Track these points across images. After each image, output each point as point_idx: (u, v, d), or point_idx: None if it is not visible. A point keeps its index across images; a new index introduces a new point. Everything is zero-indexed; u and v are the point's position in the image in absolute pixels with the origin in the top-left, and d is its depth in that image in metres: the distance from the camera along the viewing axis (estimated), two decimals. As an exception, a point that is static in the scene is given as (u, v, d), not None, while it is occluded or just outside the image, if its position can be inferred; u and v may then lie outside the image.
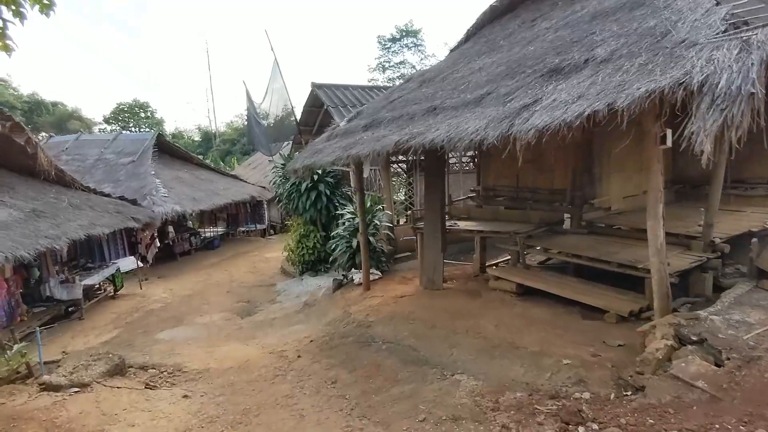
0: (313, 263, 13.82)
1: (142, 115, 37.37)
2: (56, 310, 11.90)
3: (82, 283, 12.17)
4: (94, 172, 18.94)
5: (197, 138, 48.96)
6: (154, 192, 17.22)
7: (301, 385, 5.95)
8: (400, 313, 7.77)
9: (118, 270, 13.95)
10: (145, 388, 6.42)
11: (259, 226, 23.76)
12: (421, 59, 42.56)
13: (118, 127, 36.47)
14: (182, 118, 74.57)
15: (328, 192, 12.93)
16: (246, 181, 23.14)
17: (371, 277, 10.06)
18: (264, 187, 23.36)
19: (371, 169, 13.81)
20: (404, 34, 43.92)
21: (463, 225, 8.95)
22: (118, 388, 6.26)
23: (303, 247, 13.63)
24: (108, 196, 13.96)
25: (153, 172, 18.22)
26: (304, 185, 12.75)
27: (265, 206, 23.18)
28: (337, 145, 7.93)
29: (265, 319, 11.01)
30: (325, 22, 77.89)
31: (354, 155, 6.76)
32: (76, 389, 6.17)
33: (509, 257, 10.22)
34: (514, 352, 5.71)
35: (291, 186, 13.06)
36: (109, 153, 19.67)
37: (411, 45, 44.10)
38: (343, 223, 10.96)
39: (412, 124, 6.32)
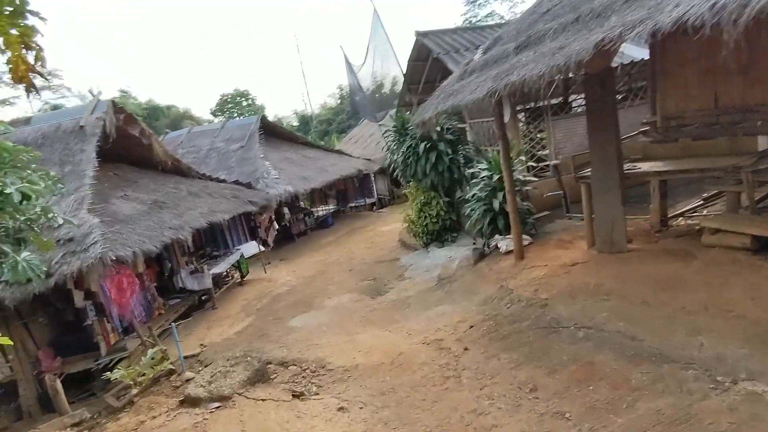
0: (438, 233, 12.18)
1: (244, 103, 37.77)
2: (190, 301, 11.41)
3: (211, 271, 11.57)
4: (208, 161, 18.72)
5: (295, 123, 49.28)
6: (265, 174, 16.51)
7: (488, 393, 4.33)
8: (583, 286, 5.86)
9: (242, 256, 13.32)
10: (293, 398, 5.17)
11: (368, 200, 22.60)
12: (511, 7, 38.69)
13: (225, 117, 37.58)
14: (279, 106, 76.03)
15: (449, 152, 11.13)
16: (351, 156, 21.99)
17: (511, 246, 8.21)
18: (369, 159, 22.09)
19: (488, 121, 11.78)
20: (491, -20, 40.15)
21: (647, 166, 6.73)
22: (262, 400, 5.07)
23: (426, 216, 12.02)
24: (223, 182, 13.29)
25: (262, 155, 17.55)
26: (422, 146, 11.04)
27: (373, 179, 21.93)
28: (479, 79, 6.09)
29: (399, 299, 9.61)
30: (400, -13, 74.81)
31: (516, 82, 4.89)
32: (217, 404, 5.08)
33: (700, 203, 7.84)
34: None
35: (407, 149, 11.42)
36: (219, 141, 19.37)
37: (498, -8, 40.29)
38: (478, 183, 9.12)
39: (603, 21, 4.30)
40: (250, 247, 14.67)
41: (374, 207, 22.85)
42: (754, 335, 3.88)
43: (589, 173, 6.98)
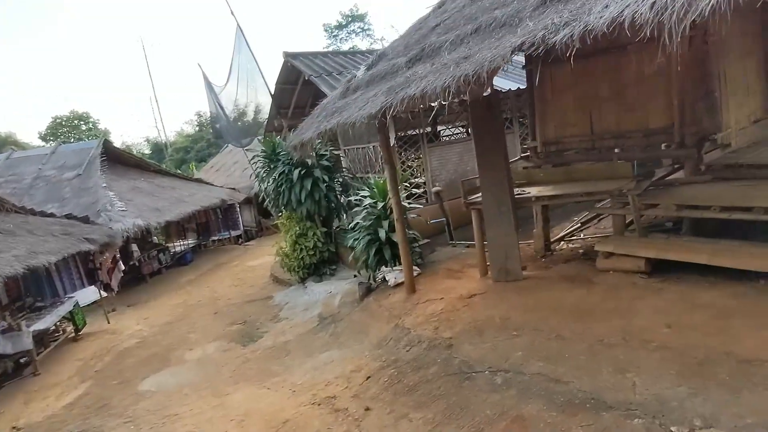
0: (315, 266, 11.18)
1: (84, 127, 32.49)
2: (1, 369, 8.86)
3: (31, 329, 9.14)
4: (34, 192, 15.53)
5: (147, 151, 44.65)
6: (109, 206, 14.07)
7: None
8: (488, 321, 5.33)
9: (76, 305, 10.89)
10: None
11: (233, 233, 20.71)
12: (371, 44, 39.93)
13: (59, 143, 32.16)
14: (128, 133, 68.70)
15: (326, 178, 10.30)
16: (213, 185, 20.06)
17: (403, 276, 7.59)
18: (234, 189, 20.36)
19: (370, 146, 11.29)
20: (350, 19, 41.16)
21: (536, 191, 6.55)
22: None
23: (301, 249, 10.97)
24: (51, 215, 10.84)
25: (104, 185, 15.01)
26: (296, 173, 10.06)
27: (238, 209, 20.19)
28: (367, 95, 5.37)
29: (276, 345, 8.37)
30: (263, 16, 72.83)
31: (416, 95, 4.23)
32: None
33: (577, 226, 7.97)
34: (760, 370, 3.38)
35: (280, 176, 10.33)
36: (49, 169, 16.25)
37: (359, 30, 41.40)
38: (360, 212, 8.39)
39: (513, 29, 3.85)
40: (89, 294, 12.19)
41: (240, 240, 21.03)
42: (686, 368, 3.56)
43: (479, 199, 6.62)
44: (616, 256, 5.57)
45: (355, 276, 10.64)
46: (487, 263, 6.74)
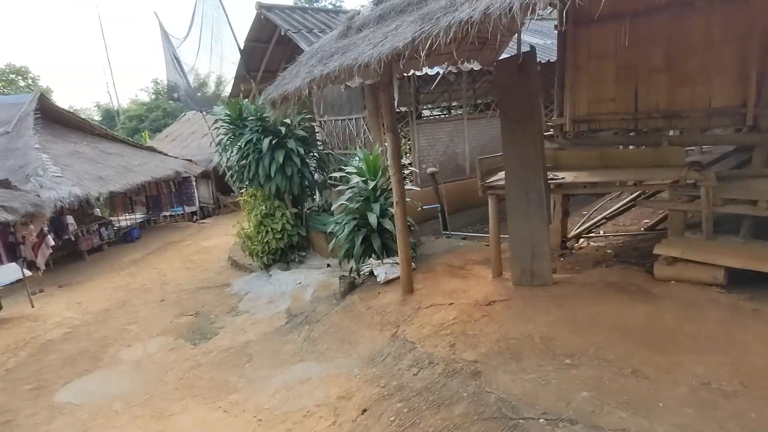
0: (282, 252, 9.61)
1: (22, 83, 28.52)
2: None
3: None
4: (-50, 150, 13.12)
5: (97, 117, 40.87)
6: (40, 171, 11.93)
7: None
8: (523, 339, 4.01)
9: (-11, 286, 8.94)
10: None
11: (188, 209, 18.65)
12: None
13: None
14: (76, 96, 62.78)
15: (300, 151, 8.71)
16: (167, 155, 17.91)
17: (396, 272, 6.22)
18: (190, 161, 18.28)
19: (353, 119, 9.77)
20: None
21: (572, 177, 5.27)
22: None
23: (267, 231, 9.36)
24: (-42, 177, 8.77)
25: (38, 146, 12.79)
26: (266, 142, 8.40)
27: (194, 183, 18.16)
28: (383, 31, 3.88)
29: (235, 345, 6.82)
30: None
31: (468, 20, 2.81)
32: None
33: (601, 221, 6.78)
34: None
35: (246, 145, 8.64)
36: (-30, 125, 13.81)
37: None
38: (344, 191, 6.90)
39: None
40: (8, 272, 10.20)
41: (195, 217, 19.02)
42: None
43: (501, 182, 5.28)
44: (681, 262, 4.37)
45: (328, 266, 9.17)
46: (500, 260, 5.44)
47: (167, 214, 18.52)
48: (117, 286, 11.31)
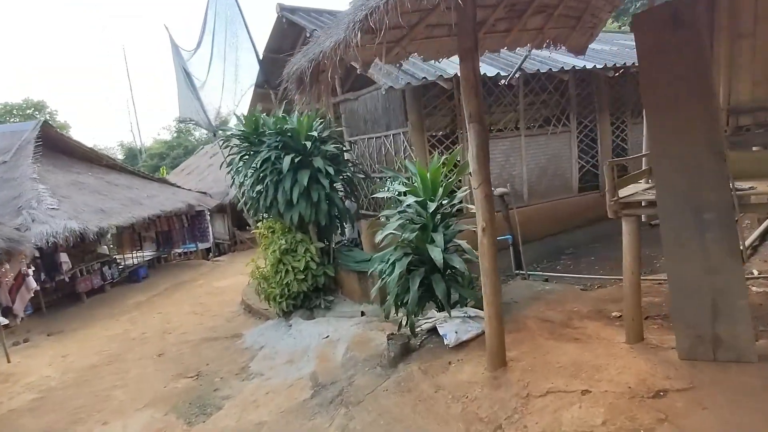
0: (305, 296, 7.71)
1: (39, 117, 27.92)
2: None
3: None
4: (-58, 181, 11.71)
5: (120, 156, 40.28)
6: (34, 203, 10.37)
7: None
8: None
9: (-51, 339, 7.15)
10: None
11: (201, 246, 16.99)
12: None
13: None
14: (100, 135, 62.77)
15: (330, 171, 6.93)
16: (180, 187, 16.39)
17: (471, 330, 4.27)
18: (204, 193, 16.72)
19: (390, 135, 8.04)
20: None
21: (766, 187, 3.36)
22: None
23: (287, 270, 7.50)
24: None
25: (35, 176, 11.29)
26: (287, 161, 6.64)
27: (208, 218, 16.55)
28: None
29: (241, 429, 4.87)
30: None
31: None
32: None
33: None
34: None
35: (263, 165, 6.92)
36: (-32, 154, 12.46)
37: None
38: (395, 217, 5.02)
39: None
40: (-19, 320, 8.45)
41: (210, 255, 17.33)
42: None
43: (649, 196, 3.38)
44: None
45: (362, 314, 7.24)
46: (641, 318, 3.46)
47: (179, 251, 16.87)
48: (113, 335, 9.47)
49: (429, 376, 4.00)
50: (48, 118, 25.82)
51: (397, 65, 4.92)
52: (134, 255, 14.88)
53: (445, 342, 4.28)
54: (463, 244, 4.68)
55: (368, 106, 8.44)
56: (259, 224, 8.36)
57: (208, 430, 5.06)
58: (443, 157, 4.90)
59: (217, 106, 8.94)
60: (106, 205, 11.99)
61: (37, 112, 27.09)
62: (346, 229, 8.25)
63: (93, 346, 8.86)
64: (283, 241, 7.55)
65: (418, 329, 4.74)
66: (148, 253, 15.35)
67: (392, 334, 4.71)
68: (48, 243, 9.73)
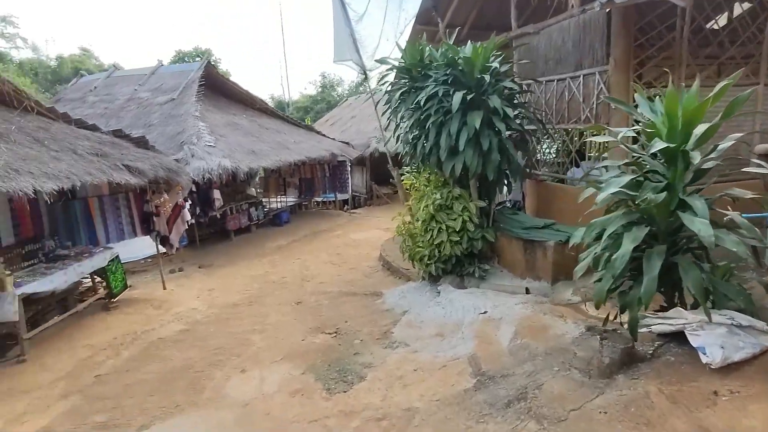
0: (457, 261, 6.59)
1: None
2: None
3: (20, 290, 5.63)
4: (123, 115, 12.60)
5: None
6: (194, 139, 10.58)
7: None
8: None
9: (114, 260, 7.37)
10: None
11: (340, 196, 16.81)
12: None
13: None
14: (253, 86, 67.20)
15: (508, 113, 5.54)
16: (324, 135, 16.17)
17: (745, 347, 2.75)
18: (347, 143, 16.33)
19: (579, 77, 6.36)
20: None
21: None
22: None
23: (440, 230, 6.41)
24: (95, 129, 7.29)
25: (197, 113, 11.59)
26: (457, 98, 5.41)
27: (349, 169, 16.19)
28: None
29: (389, 412, 3.95)
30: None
31: None
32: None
33: None
34: None
35: (427, 104, 5.78)
36: (144, 91, 13.27)
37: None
38: (613, 173, 3.54)
39: None
40: (142, 246, 8.78)
41: (346, 206, 17.11)
42: None
43: None
44: None
45: (527, 291, 5.93)
46: None
47: (319, 199, 16.88)
48: (254, 275, 9.40)
49: (682, 407, 2.60)
50: (214, 65, 27.69)
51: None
52: (278, 199, 15.09)
53: (704, 359, 2.81)
54: (735, 216, 3.07)
55: (553, 39, 6.79)
56: (405, 176, 7.35)
57: (350, 404, 4.24)
58: (714, 89, 3.23)
59: (376, 40, 7.93)
60: (256, 146, 11.98)
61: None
62: (512, 188, 6.86)
63: (236, 284, 8.81)
64: (438, 196, 6.43)
65: (645, 330, 3.29)
66: (290, 199, 15.50)
67: (605, 336, 3.32)
68: (203, 178, 9.86)
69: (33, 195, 4.99)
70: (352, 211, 16.62)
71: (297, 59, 67.75)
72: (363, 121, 18.55)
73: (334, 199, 16.79)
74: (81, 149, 6.08)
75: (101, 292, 7.38)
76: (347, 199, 17.03)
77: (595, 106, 6.15)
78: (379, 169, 17.40)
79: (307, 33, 71.28)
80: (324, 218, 15.30)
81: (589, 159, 7.14)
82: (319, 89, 42.50)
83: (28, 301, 5.96)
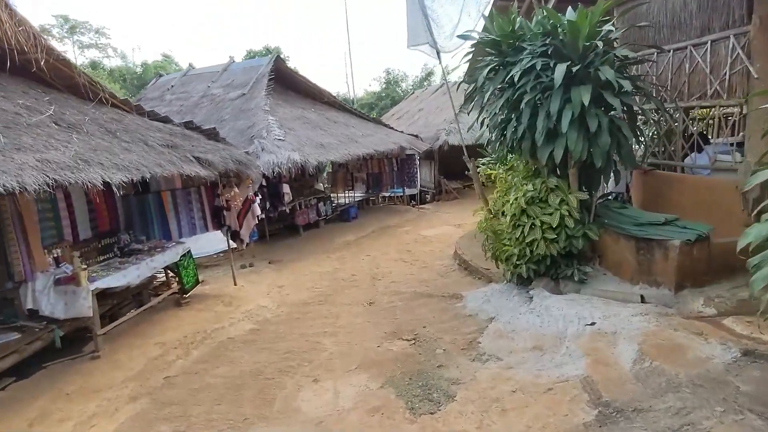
0: (552, 262, 5.70)
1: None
2: (43, 339, 5.28)
3: (94, 285, 5.43)
4: (197, 111, 12.66)
5: (336, 105, 42.97)
6: (264, 133, 10.30)
7: None
8: None
9: (187, 255, 7.16)
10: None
11: (408, 191, 16.14)
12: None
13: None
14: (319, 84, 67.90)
15: (625, 86, 4.60)
16: (392, 128, 15.55)
17: None
18: (416, 136, 15.61)
19: (706, 43, 5.25)
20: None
21: None
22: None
23: (532, 225, 5.54)
24: (167, 121, 7.07)
25: (267, 107, 11.35)
26: (559, 71, 4.55)
27: (418, 163, 15.48)
28: None
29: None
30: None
31: None
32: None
33: None
34: None
35: (522, 79, 4.95)
36: (216, 87, 13.29)
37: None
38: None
39: None
40: (214, 241, 8.57)
41: (414, 201, 16.41)
42: None
43: None
44: None
45: (642, 300, 4.94)
46: None
47: (386, 194, 16.31)
48: (323, 272, 8.95)
49: None
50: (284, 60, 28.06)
51: None
52: (346, 194, 14.68)
53: None
54: None
55: (670, 1, 5.70)
56: (481, 167, 6.52)
57: (439, 430, 3.56)
58: None
59: (454, 18, 7.15)
60: (325, 140, 11.56)
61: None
62: (619, 178, 5.86)
63: (305, 281, 8.39)
64: (530, 187, 5.57)
65: None
66: (358, 194, 15.04)
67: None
68: (273, 172, 9.52)
69: (102, 186, 4.70)
70: (420, 206, 15.90)
71: (361, 58, 67.96)
72: (431, 114, 17.77)
73: (402, 194, 16.15)
74: (152, 140, 5.82)
75: (174, 287, 7.18)
76: (414, 195, 16.33)
77: (728, 77, 5.03)
78: (449, 163, 16.56)
79: (372, 30, 71.33)
80: (392, 214, 14.70)
81: (711, 143, 5.98)
82: (383, 85, 42.01)
83: (104, 295, 5.82)
